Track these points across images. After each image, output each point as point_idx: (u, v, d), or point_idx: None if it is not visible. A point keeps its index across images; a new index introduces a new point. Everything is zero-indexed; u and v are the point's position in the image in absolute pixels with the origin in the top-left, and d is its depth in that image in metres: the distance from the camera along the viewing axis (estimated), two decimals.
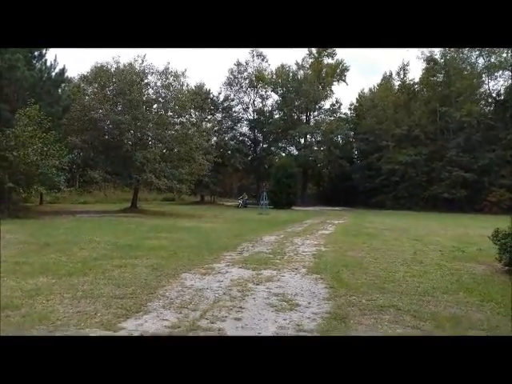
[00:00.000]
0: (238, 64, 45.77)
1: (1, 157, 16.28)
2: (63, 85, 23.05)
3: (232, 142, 43.71)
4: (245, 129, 47.75)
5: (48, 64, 21.76)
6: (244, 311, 4.76)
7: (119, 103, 23.62)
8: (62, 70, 22.74)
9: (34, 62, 21.14)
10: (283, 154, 47.37)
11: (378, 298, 5.51)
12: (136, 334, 3.89)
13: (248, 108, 47.49)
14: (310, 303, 5.20)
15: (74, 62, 50.63)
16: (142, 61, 24.82)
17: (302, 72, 47.57)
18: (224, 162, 38.48)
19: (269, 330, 4.16)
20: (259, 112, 47.47)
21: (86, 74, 25.20)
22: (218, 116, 44.73)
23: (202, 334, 3.94)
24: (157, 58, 52.87)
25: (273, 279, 6.48)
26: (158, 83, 25.66)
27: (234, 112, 46.24)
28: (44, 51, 21.62)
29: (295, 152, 47.05)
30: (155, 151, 23.22)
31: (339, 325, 4.36)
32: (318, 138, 47.06)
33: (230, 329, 4.12)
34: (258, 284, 6.12)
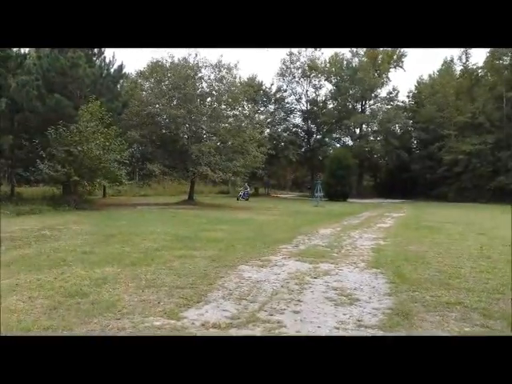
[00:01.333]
0: (291, 54, 45.34)
1: (66, 151, 17.22)
2: (122, 81, 23.97)
3: (285, 134, 43.52)
4: (298, 120, 47.36)
5: (107, 61, 22.73)
6: (302, 304, 4.72)
7: (174, 97, 24.17)
8: (120, 67, 23.63)
9: (94, 59, 22.12)
10: (338, 145, 46.51)
11: (443, 294, 5.26)
12: (197, 323, 3.97)
13: (301, 98, 47.02)
14: (370, 298, 5.06)
15: (131, 57, 52.29)
16: (196, 55, 25.24)
17: (356, 60, 46.33)
18: (277, 154, 38.38)
19: (328, 324, 4.09)
20: (312, 102, 46.83)
21: (142, 69, 26.03)
22: (271, 107, 44.69)
23: (257, 328, 3.95)
24: (210, 52, 53.39)
25: (330, 273, 6.38)
26: (212, 76, 25.99)
27: (287, 103, 45.98)
28: (103, 49, 22.60)
29: (350, 143, 46.04)
30: (210, 144, 23.57)
31: (402, 321, 4.21)
32: (375, 128, 45.73)
33: (289, 321, 4.10)
34: (315, 277, 6.04)
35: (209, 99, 26.28)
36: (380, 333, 3.97)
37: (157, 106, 23.37)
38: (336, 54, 46.42)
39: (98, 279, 5.40)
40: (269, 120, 40.53)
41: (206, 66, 25.66)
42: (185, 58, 25.12)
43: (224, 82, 25.85)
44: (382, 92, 46.40)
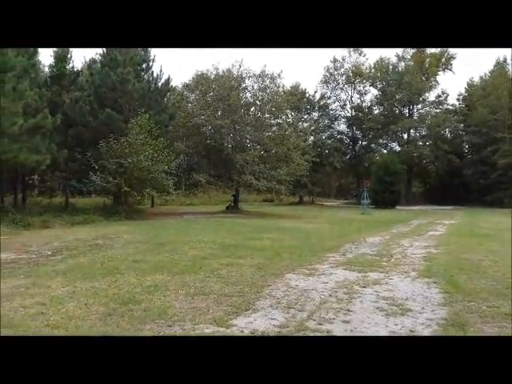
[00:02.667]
0: (334, 60, 44.90)
1: (117, 163, 17.94)
2: (169, 94, 24.72)
3: (329, 141, 43.01)
4: (342, 126, 46.64)
5: (154, 75, 23.55)
6: (352, 314, 4.63)
7: (219, 108, 24.59)
8: (167, 80, 24.42)
9: (142, 74, 22.99)
10: (384, 151, 45.31)
11: (502, 304, 4.99)
12: (246, 331, 3.98)
13: (345, 105, 46.35)
14: (423, 308, 4.89)
15: (177, 71, 53.82)
16: (240, 66, 25.61)
17: (402, 64, 45.14)
18: (322, 162, 37.99)
19: (380, 334, 3.98)
20: (357, 108, 46.06)
21: (188, 82, 26.70)
22: (315, 115, 44.34)
23: (309, 334, 3.90)
24: (253, 62, 54.05)
25: (380, 282, 6.21)
26: (255, 86, 26.24)
27: (331, 110, 45.44)
28: (151, 64, 23.47)
29: (398, 148, 44.74)
30: (254, 153, 23.76)
31: (457, 332, 4.02)
32: (423, 133, 44.24)
33: (339, 331, 4.03)
34: (364, 286, 5.91)
35: (252, 109, 26.52)
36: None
37: (202, 117, 23.86)
38: (381, 59, 45.51)
39: (149, 287, 5.55)
40: (313, 127, 40.22)
41: (249, 77, 25.98)
42: (229, 69, 25.57)
43: (268, 91, 26.03)
44: (431, 96, 44.88)
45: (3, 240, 10.81)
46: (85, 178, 18.79)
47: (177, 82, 39.39)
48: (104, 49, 22.40)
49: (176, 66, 58.21)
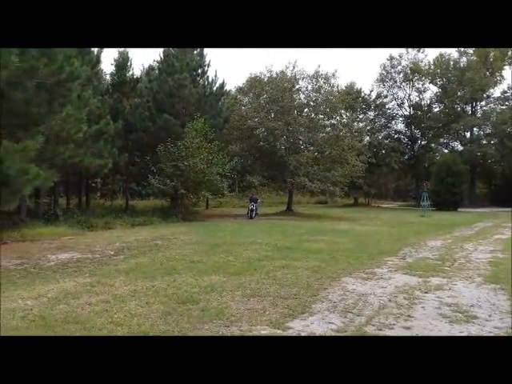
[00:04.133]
0: (391, 58, 43.58)
1: (174, 166, 18.50)
2: (223, 98, 25.15)
3: (386, 141, 41.74)
4: (400, 126, 45.12)
5: (210, 80, 24.05)
6: (413, 320, 4.44)
7: (272, 110, 24.64)
8: (222, 85, 24.85)
9: (198, 79, 23.56)
10: (445, 151, 43.32)
11: None
12: (304, 334, 3.93)
13: (403, 103, 44.83)
14: (490, 316, 4.61)
15: (231, 75, 54.66)
16: (294, 67, 25.53)
17: (464, 59, 42.94)
18: (378, 162, 36.93)
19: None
20: (416, 107, 44.39)
21: (241, 85, 27.01)
22: (371, 115, 43.27)
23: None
24: (307, 62, 53.62)
25: (443, 288, 5.92)
26: (309, 87, 26.04)
27: (388, 109, 44.11)
28: (206, 69, 24.00)
29: (460, 148, 42.63)
30: (307, 154, 23.58)
31: None
32: (488, 131, 41.81)
33: None
34: (426, 292, 5.66)
35: (306, 110, 26.35)
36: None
37: (255, 119, 24.03)
38: (441, 55, 43.58)
39: (206, 287, 5.65)
40: (368, 127, 39.25)
41: (303, 78, 25.85)
42: (282, 71, 25.57)
43: (322, 91, 25.75)
44: (496, 92, 42.42)
45: (69, 240, 11.48)
46: (144, 181, 19.52)
47: (231, 86, 39.97)
48: (161, 55, 23.21)
49: (230, 69, 59.25)
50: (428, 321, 4.42)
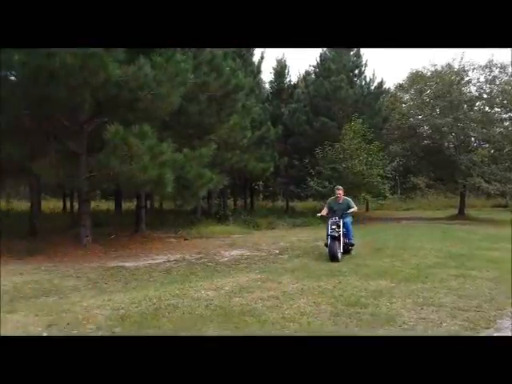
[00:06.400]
0: None
1: (332, 169, 18.54)
2: (381, 96, 24.25)
3: None
4: None
5: (367, 80, 23.45)
6: None
7: (438, 106, 22.81)
8: (380, 83, 24.03)
9: (355, 79, 23.19)
10: None
11: None
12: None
13: None
14: None
15: (390, 73, 52.47)
16: (462, 58, 23.26)
17: None
18: None
19: None
20: None
21: (401, 82, 25.68)
22: None
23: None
24: (477, 52, 48.23)
25: None
26: (481, 78, 23.36)
27: None
28: (363, 69, 23.45)
29: None
30: (482, 153, 21.23)
31: None
32: None
33: None
34: None
35: (478, 103, 23.69)
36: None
37: (419, 117, 22.62)
38: None
39: (373, 291, 5.44)
40: None
41: (473, 69, 23.32)
42: (448, 63, 23.53)
43: (497, 82, 22.86)
44: None
45: (238, 238, 12.40)
46: (302, 183, 20.01)
47: (389, 84, 38.29)
48: (317, 60, 23.53)
49: (389, 67, 56.82)
50: None
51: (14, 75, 8.77)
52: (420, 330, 3.99)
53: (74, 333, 3.84)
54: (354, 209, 8.68)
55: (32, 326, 3.94)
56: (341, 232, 8.05)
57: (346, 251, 8.42)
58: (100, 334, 3.82)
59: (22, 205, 21.69)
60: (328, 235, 8.00)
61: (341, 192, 8.72)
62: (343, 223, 8.19)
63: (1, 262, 7.63)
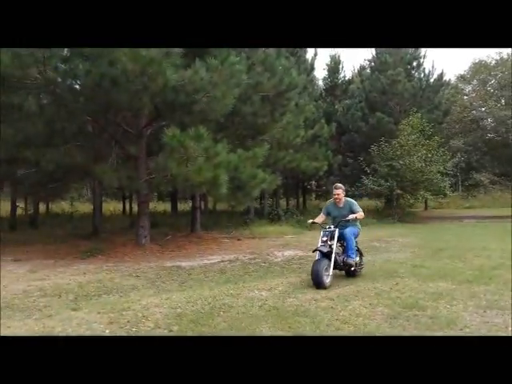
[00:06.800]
0: None
1: (388, 166, 17.96)
2: (442, 89, 23.21)
3: None
4: None
5: (426, 72, 22.52)
6: None
7: (503, 97, 21.55)
8: (440, 75, 22.99)
9: (413, 72, 22.34)
10: None
11: None
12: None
13: None
14: None
15: (451, 64, 50.02)
16: None
17: None
18: None
19: None
20: None
21: (463, 73, 24.46)
22: None
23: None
24: None
25: None
26: None
27: None
28: (421, 61, 22.53)
29: None
30: None
31: None
32: None
33: None
34: None
35: None
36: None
37: (482, 109, 21.46)
38: None
39: (432, 294, 5.25)
40: None
41: None
42: None
43: None
44: None
45: (291, 238, 12.39)
46: (357, 182, 19.58)
47: (450, 75, 36.50)
48: (373, 53, 22.94)
49: (450, 58, 54.20)
50: None
51: (78, 84, 9.30)
52: (483, 335, 3.81)
53: (134, 330, 3.91)
54: (358, 214, 6.25)
55: (95, 323, 4.14)
56: (334, 246, 5.92)
57: (349, 273, 6.40)
58: (158, 332, 3.93)
59: (85, 207, 23.03)
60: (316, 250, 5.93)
61: (340, 192, 6.47)
62: (340, 234, 6.14)
63: (66, 262, 8.16)
